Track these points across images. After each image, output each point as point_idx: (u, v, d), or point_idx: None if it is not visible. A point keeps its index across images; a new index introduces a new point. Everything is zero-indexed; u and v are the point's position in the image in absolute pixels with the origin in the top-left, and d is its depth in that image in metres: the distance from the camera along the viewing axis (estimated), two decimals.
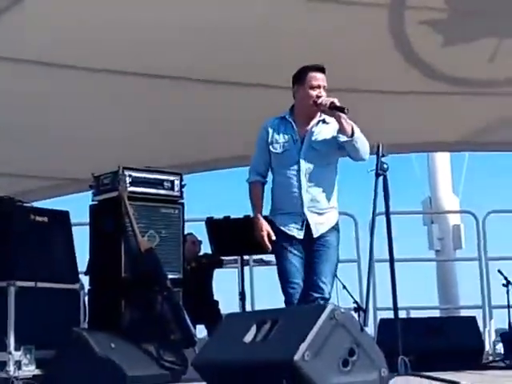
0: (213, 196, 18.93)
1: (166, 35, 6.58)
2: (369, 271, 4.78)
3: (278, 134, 4.58)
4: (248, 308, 7.38)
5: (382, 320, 6.86)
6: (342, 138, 4.48)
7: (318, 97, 4.48)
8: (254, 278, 8.38)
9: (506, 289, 7.35)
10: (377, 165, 4.52)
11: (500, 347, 7.86)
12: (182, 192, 5.98)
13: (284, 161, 4.55)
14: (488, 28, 6.98)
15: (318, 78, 4.53)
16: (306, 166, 4.50)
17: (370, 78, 7.49)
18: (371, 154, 4.59)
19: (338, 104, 4.42)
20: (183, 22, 6.49)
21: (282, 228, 4.53)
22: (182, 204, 5.97)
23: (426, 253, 10.31)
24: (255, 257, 8.01)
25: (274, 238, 4.49)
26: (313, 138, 4.55)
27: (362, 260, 8.37)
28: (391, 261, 4.55)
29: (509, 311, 7.35)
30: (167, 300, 5.51)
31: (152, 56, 6.87)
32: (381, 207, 4.77)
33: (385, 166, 4.53)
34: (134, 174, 5.76)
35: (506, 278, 7.38)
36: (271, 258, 7.55)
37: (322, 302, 4.34)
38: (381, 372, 3.74)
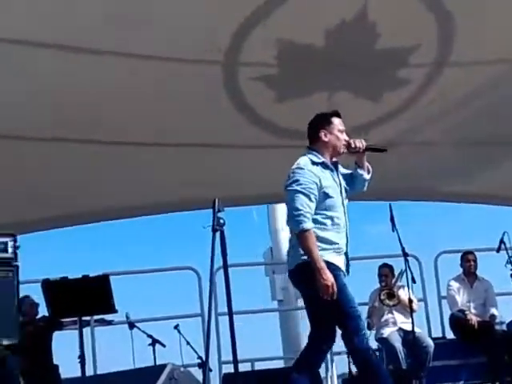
0: (48, 256, 18.36)
1: None
2: (208, 325, 4.72)
3: (327, 178, 4.71)
4: (90, 371, 7.14)
5: (225, 375, 6.84)
6: (363, 175, 4.85)
7: (348, 143, 4.77)
8: (95, 339, 8.15)
9: None
10: (213, 220, 4.53)
11: None
12: (16, 254, 5.74)
13: (335, 203, 4.69)
14: (319, 82, 7.23)
15: (342, 123, 4.84)
16: (345, 207, 4.78)
17: (208, 132, 7.57)
18: (208, 208, 4.63)
19: (373, 146, 4.81)
20: None
21: (338, 265, 4.64)
22: (17, 266, 5.72)
23: (269, 303, 10.41)
24: (96, 317, 7.80)
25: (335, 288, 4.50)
26: (343, 182, 4.84)
27: (205, 314, 8.33)
28: (230, 314, 4.53)
29: (349, 357, 7.52)
30: (1, 367, 5.24)
31: None
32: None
33: (221, 221, 4.55)
34: None
35: None
36: (113, 317, 7.42)
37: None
38: None
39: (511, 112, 7.74)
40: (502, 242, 7.72)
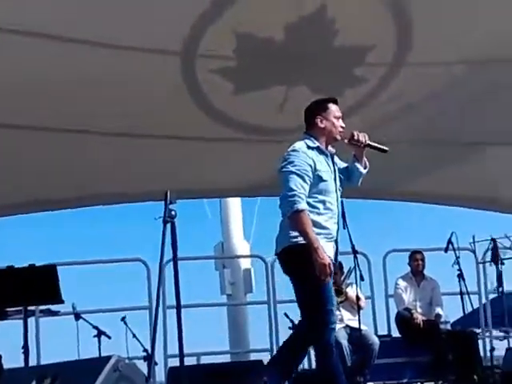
0: None
1: None
2: (155, 318, 4.67)
3: (320, 162, 4.67)
4: (33, 362, 7.03)
5: (170, 368, 6.80)
6: (360, 169, 4.83)
7: (343, 127, 4.78)
8: (40, 330, 8.02)
9: (291, 331, 7.51)
10: (164, 212, 4.48)
11: None
12: None
13: (328, 188, 4.66)
14: (277, 76, 7.21)
15: (338, 110, 4.83)
16: (339, 195, 4.76)
17: (163, 123, 7.50)
18: (160, 200, 4.58)
19: (374, 144, 4.78)
20: None
21: (328, 252, 4.54)
22: None
23: (218, 298, 10.38)
24: (42, 307, 7.67)
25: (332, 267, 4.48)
26: (337, 169, 4.83)
27: (153, 307, 8.25)
28: (178, 307, 4.48)
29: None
30: None
31: None
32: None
33: (172, 212, 4.50)
34: None
35: (291, 321, 7.55)
36: (60, 308, 7.30)
37: None
38: None
39: (466, 113, 7.83)
40: (449, 242, 7.80)
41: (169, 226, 4.48)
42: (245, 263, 10.46)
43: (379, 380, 7.79)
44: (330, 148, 4.84)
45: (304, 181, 4.54)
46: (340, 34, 6.75)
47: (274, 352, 8.51)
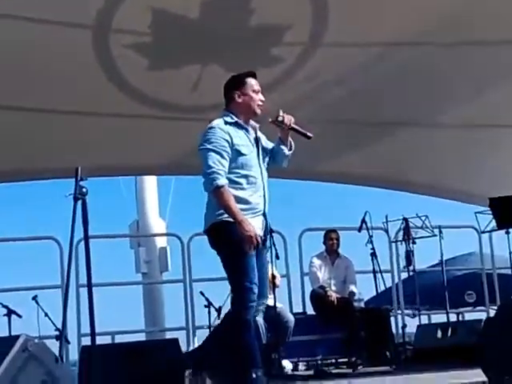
0: None
1: None
2: (65, 296, 4.59)
3: (238, 137, 4.63)
4: None
5: (83, 347, 6.68)
6: (285, 151, 4.79)
7: (262, 101, 4.71)
8: None
9: (207, 310, 7.55)
10: (75, 189, 4.38)
11: None
12: None
13: (249, 162, 4.63)
14: (192, 54, 7.16)
15: (257, 84, 4.77)
16: (264, 169, 4.72)
17: (75, 98, 7.37)
18: (71, 177, 4.48)
19: (298, 128, 4.71)
20: None
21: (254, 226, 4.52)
22: None
23: (133, 276, 10.30)
24: None
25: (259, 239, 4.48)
26: (263, 143, 4.80)
27: (65, 285, 8.13)
28: (89, 285, 4.40)
29: (210, 331, 7.55)
30: None
31: None
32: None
33: (83, 189, 4.40)
34: None
35: (207, 300, 7.57)
36: None
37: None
38: None
39: (378, 94, 7.94)
40: (363, 221, 7.92)
41: (80, 203, 4.39)
42: (161, 242, 10.42)
43: (294, 357, 7.89)
44: (252, 122, 4.80)
45: (222, 157, 4.52)
46: (256, 12, 6.74)
47: (190, 330, 8.54)
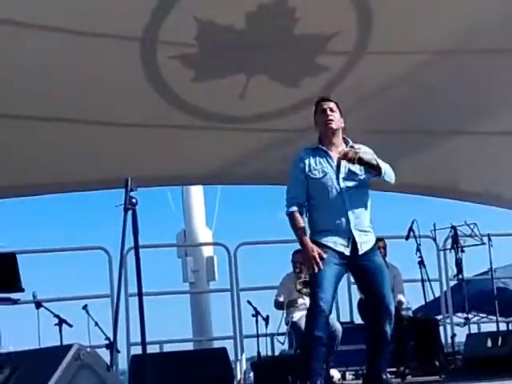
0: None
1: None
2: (117, 306, 4.66)
3: (315, 161, 4.95)
4: None
5: (133, 356, 6.77)
6: (372, 174, 4.96)
7: (330, 120, 4.97)
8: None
9: (255, 319, 7.55)
10: (125, 199, 4.44)
11: (251, 376, 8.05)
12: None
13: (325, 184, 4.90)
14: (237, 64, 7.20)
15: (323, 104, 5.05)
16: (346, 187, 4.89)
17: (124, 111, 7.46)
18: (121, 188, 4.55)
19: (365, 159, 4.84)
20: None
21: (329, 244, 4.84)
22: None
23: (180, 285, 10.36)
24: (1, 295, 7.59)
25: (324, 256, 4.77)
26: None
27: (115, 295, 8.21)
28: (140, 295, 4.46)
29: (258, 340, 7.56)
30: None
31: None
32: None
33: (133, 200, 4.47)
34: None
35: (255, 309, 7.58)
36: (19, 296, 7.24)
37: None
38: None
39: (426, 102, 7.89)
40: (411, 229, 7.86)
41: (130, 213, 4.45)
42: (207, 251, 10.45)
43: (342, 366, 7.86)
44: (338, 142, 5.02)
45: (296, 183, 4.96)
46: (301, 22, 6.76)
47: (238, 339, 8.55)
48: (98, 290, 8.63)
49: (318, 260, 4.76)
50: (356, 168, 4.96)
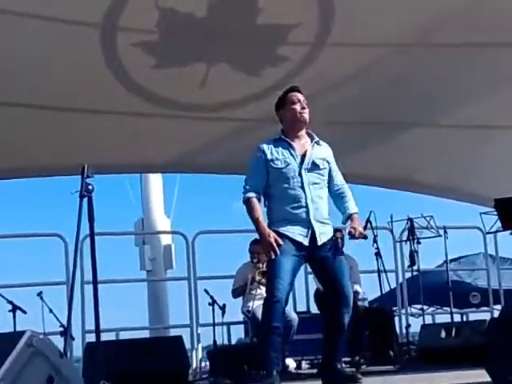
0: None
1: None
2: (71, 293, 4.62)
3: (277, 152, 4.97)
4: None
5: (88, 344, 6.74)
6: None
7: (303, 112, 5.00)
8: None
9: (211, 307, 7.56)
10: (81, 186, 4.41)
11: (207, 364, 8.06)
12: None
13: (286, 174, 4.92)
14: (198, 52, 7.18)
15: (297, 95, 5.05)
16: (308, 179, 4.92)
17: (82, 97, 7.39)
18: (76, 174, 4.52)
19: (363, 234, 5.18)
20: None
21: (288, 234, 4.87)
22: None
23: (138, 273, 10.33)
24: None
25: (281, 242, 4.80)
26: (313, 154, 4.99)
27: (70, 282, 8.14)
28: (94, 282, 4.43)
29: (214, 329, 7.57)
30: None
31: None
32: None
33: (90, 187, 4.44)
34: None
35: (211, 297, 7.58)
36: None
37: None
38: None
39: (385, 95, 7.95)
40: (368, 221, 7.91)
41: (86, 200, 4.42)
42: (165, 239, 10.44)
43: (298, 355, 7.91)
44: (302, 134, 5.06)
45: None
46: (263, 12, 6.75)
47: (194, 328, 8.55)
48: (53, 277, 8.55)
49: (275, 246, 4.78)
50: (319, 161, 5.02)
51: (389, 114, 8.45)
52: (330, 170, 5.09)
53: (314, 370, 7.52)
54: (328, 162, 5.09)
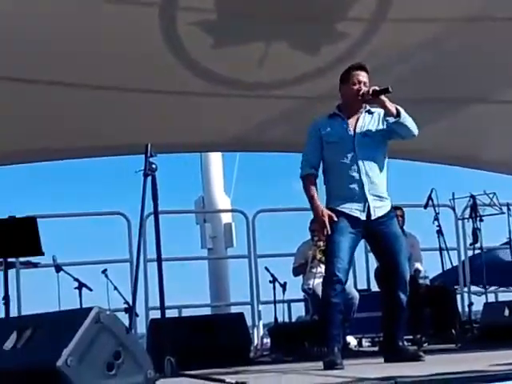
0: None
1: None
2: (136, 271, 4.71)
3: (331, 127, 5.00)
4: (14, 313, 7.07)
5: (152, 320, 6.84)
6: (391, 120, 4.90)
7: (359, 90, 4.90)
8: (20, 281, 8.05)
9: (272, 285, 7.61)
10: (145, 165, 4.48)
11: (268, 341, 8.13)
12: None
13: (340, 149, 4.93)
14: (256, 31, 7.18)
15: (360, 74, 4.98)
16: (361, 153, 4.89)
17: (143, 77, 7.46)
18: (140, 153, 4.58)
19: (378, 88, 4.86)
20: None
21: (344, 210, 4.90)
22: None
23: (199, 251, 10.44)
24: (22, 259, 7.69)
25: (335, 219, 4.83)
26: (364, 127, 4.97)
27: (134, 259, 8.29)
28: (159, 260, 4.51)
29: (275, 307, 7.63)
30: None
31: None
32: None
33: (153, 166, 4.50)
34: None
35: (272, 275, 7.63)
36: (39, 259, 7.32)
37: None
38: (147, 374, 3.71)
39: (447, 70, 7.82)
40: (429, 198, 7.85)
41: (149, 179, 4.48)
42: (226, 218, 10.50)
43: (358, 333, 7.93)
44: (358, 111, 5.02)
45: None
46: None
47: (255, 305, 8.62)
48: (117, 255, 8.71)
49: (327, 224, 4.81)
50: (372, 129, 4.98)
51: (451, 90, 8.30)
52: (386, 125, 5.01)
53: (375, 348, 7.54)
54: (381, 122, 5.03)
